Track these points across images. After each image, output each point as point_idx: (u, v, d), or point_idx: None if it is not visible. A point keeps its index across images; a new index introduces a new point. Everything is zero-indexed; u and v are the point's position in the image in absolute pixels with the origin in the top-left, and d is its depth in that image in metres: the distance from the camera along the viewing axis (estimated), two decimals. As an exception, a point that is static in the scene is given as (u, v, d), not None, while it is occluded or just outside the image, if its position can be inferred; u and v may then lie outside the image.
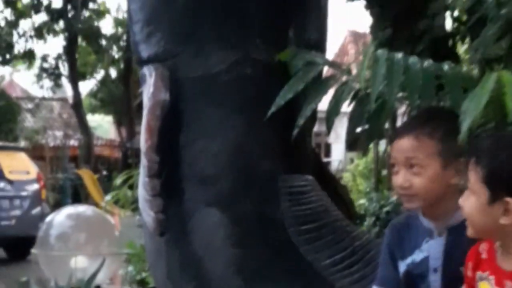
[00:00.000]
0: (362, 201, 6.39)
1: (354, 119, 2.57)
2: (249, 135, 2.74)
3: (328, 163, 19.03)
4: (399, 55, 2.25)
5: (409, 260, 2.01)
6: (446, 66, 2.28)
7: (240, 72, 2.67)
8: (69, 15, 21.09)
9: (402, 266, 2.04)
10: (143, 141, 2.60)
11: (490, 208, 1.65)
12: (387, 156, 7.17)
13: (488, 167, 1.65)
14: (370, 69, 2.30)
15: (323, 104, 2.60)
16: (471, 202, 1.69)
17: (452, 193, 1.91)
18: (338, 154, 19.74)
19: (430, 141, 1.89)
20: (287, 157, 2.80)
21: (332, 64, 2.68)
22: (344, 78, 2.55)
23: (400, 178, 1.91)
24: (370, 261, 2.55)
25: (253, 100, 2.72)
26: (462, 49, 3.86)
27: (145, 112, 2.64)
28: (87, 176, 15.69)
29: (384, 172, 7.15)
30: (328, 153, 21.74)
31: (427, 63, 2.27)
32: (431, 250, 1.97)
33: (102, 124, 29.75)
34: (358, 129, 2.64)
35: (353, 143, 2.85)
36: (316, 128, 3.26)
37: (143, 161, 2.62)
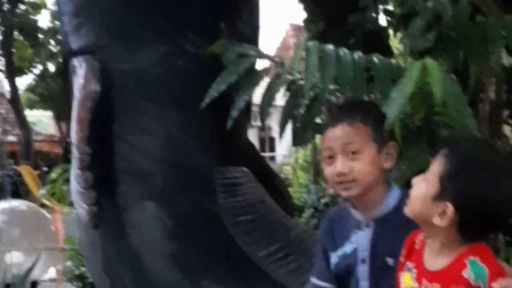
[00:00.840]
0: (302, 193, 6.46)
1: (287, 111, 2.59)
2: (182, 128, 2.73)
3: (273, 157, 19.13)
4: (330, 47, 2.27)
5: (340, 252, 2.02)
6: (375, 59, 2.31)
7: (172, 64, 2.66)
8: (5, 8, 20.58)
9: (334, 258, 2.05)
10: (74, 133, 2.56)
11: (432, 203, 1.63)
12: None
13: (452, 168, 1.62)
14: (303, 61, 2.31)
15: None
16: (421, 188, 1.67)
17: (380, 183, 1.94)
18: (282, 149, 19.87)
19: (364, 126, 1.90)
20: (222, 150, 2.81)
21: (265, 56, 2.68)
22: (277, 70, 2.56)
23: (339, 165, 1.90)
24: (305, 252, 2.58)
25: (186, 93, 2.71)
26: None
27: (75, 104, 2.60)
28: (27, 172, 15.33)
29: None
30: (272, 147, 21.84)
31: (357, 55, 2.30)
32: (359, 241, 1.97)
33: (42, 120, 29.14)
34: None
35: (297, 137, 2.87)
36: (259, 123, 3.27)
37: (75, 153, 2.58)
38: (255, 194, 2.75)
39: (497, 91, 2.86)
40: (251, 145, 3.36)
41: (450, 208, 1.58)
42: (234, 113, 2.62)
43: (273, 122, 2.96)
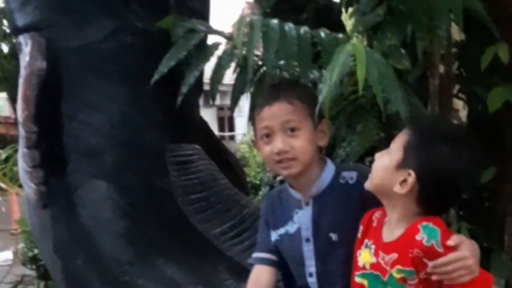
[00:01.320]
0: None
1: (237, 87, 2.57)
2: (133, 105, 2.70)
3: (232, 136, 19.09)
4: (275, 22, 2.25)
5: (282, 230, 2.03)
6: (322, 33, 2.30)
7: (121, 40, 2.62)
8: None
9: (274, 236, 2.06)
10: (20, 111, 2.52)
11: (394, 172, 1.67)
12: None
13: (416, 139, 1.67)
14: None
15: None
16: (384, 160, 1.71)
17: (316, 161, 1.94)
18: (241, 128, 19.83)
19: (301, 104, 1.90)
20: (173, 127, 2.78)
21: (215, 31, 2.65)
22: (227, 46, 2.54)
23: (279, 143, 1.89)
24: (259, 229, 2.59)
25: (135, 69, 2.68)
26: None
27: (21, 82, 2.55)
28: (-20, 155, 15.05)
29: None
30: (231, 126, 21.79)
31: (303, 30, 2.28)
32: (301, 220, 1.98)
33: (-4, 101, 28.63)
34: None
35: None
36: (218, 102, 3.25)
37: (21, 131, 2.54)
38: (207, 171, 2.74)
39: (446, 65, 2.88)
40: (203, 122, 3.33)
41: (412, 175, 1.64)
42: (184, 89, 2.59)
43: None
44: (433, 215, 1.67)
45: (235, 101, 2.69)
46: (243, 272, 2.45)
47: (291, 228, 2.00)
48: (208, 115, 3.06)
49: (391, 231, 1.72)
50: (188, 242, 2.62)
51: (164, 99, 2.67)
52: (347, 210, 1.90)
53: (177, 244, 2.64)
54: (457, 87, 3.33)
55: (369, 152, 3.04)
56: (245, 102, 2.63)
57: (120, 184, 2.66)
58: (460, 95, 3.35)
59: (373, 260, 1.73)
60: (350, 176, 1.94)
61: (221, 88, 2.84)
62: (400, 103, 2.03)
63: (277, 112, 1.90)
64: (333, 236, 1.92)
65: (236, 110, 2.73)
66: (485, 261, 2.85)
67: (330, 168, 1.96)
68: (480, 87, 3.00)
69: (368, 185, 1.77)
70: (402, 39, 2.41)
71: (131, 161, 2.68)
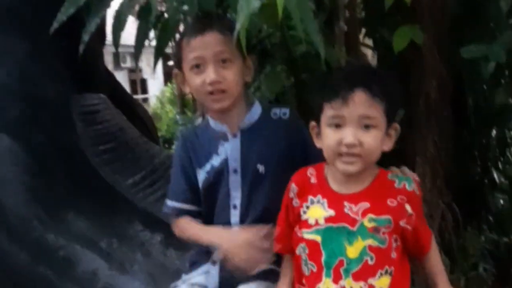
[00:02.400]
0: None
1: (140, 34, 2.49)
2: (33, 58, 2.63)
3: (145, 99, 18.82)
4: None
5: (208, 166, 1.99)
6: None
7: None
8: None
9: (202, 174, 2.01)
10: None
11: (384, 137, 1.64)
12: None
13: (387, 97, 1.62)
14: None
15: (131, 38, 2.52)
16: (375, 136, 1.62)
17: (242, 95, 1.94)
18: (154, 90, 19.54)
19: (231, 36, 1.84)
20: (77, 77, 2.71)
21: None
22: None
23: (211, 73, 1.85)
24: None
25: (34, 20, 2.59)
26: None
27: None
28: None
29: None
30: (144, 89, 21.41)
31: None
32: (228, 152, 1.96)
33: None
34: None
35: (168, 78, 2.80)
36: (129, 64, 3.16)
37: None
38: (114, 121, 2.67)
39: (351, 8, 2.90)
40: (109, 74, 3.25)
41: (397, 127, 1.65)
42: (86, 37, 2.49)
43: (144, 63, 2.87)
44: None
45: (139, 48, 2.62)
46: (157, 223, 2.44)
47: (215, 161, 1.98)
48: (120, 78, 2.97)
49: (346, 184, 1.68)
50: (99, 195, 2.56)
51: (66, 50, 2.59)
52: (277, 143, 1.91)
53: (87, 198, 2.56)
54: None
55: (278, 99, 3.04)
56: (158, 64, 2.57)
57: (24, 140, 2.56)
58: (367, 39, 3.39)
59: (331, 213, 1.68)
60: (283, 112, 1.96)
61: (131, 50, 2.77)
62: (316, 36, 2.01)
63: (210, 41, 1.86)
64: (260, 168, 1.92)
65: (148, 71, 2.67)
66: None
67: (258, 105, 1.97)
68: (384, 28, 3.04)
69: (358, 167, 1.64)
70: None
71: (33, 114, 2.58)
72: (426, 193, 2.94)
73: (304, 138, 1.86)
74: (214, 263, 1.96)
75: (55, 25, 2.37)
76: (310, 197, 1.73)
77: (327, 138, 1.64)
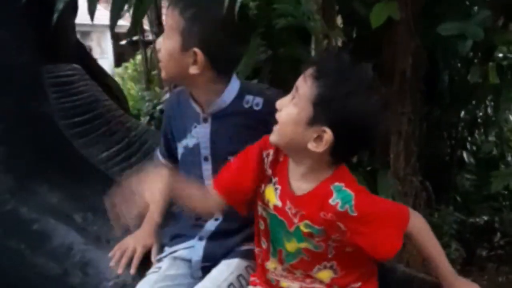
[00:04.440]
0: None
1: (116, 4, 2.43)
2: (4, 26, 2.51)
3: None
4: None
5: (184, 142, 1.98)
6: None
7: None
8: None
9: (180, 148, 2.01)
10: None
11: (306, 128, 1.55)
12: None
13: (325, 92, 1.54)
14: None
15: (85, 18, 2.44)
16: (291, 113, 1.57)
17: (212, 80, 1.86)
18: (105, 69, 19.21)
19: (185, 16, 1.81)
20: (50, 47, 2.61)
21: None
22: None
23: (158, 40, 1.93)
24: (148, 152, 2.48)
25: None
26: None
27: None
28: None
29: (154, 72, 7.06)
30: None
31: None
32: (199, 137, 1.93)
33: None
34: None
35: (120, 58, 2.74)
36: None
37: None
38: (89, 92, 2.59)
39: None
40: (80, 45, 3.16)
41: (328, 133, 1.53)
42: (60, 5, 2.45)
43: (93, 42, 2.81)
44: (342, 161, 1.63)
45: (114, 19, 2.56)
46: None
47: (190, 141, 1.96)
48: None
49: (299, 181, 1.65)
50: (72, 168, 2.47)
51: (38, 19, 2.53)
52: (248, 136, 1.83)
53: (60, 170, 2.45)
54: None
55: (257, 72, 3.00)
56: (108, 44, 2.52)
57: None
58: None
59: (279, 203, 1.67)
60: (255, 102, 1.89)
61: (83, 28, 2.71)
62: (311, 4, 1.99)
63: (169, 13, 1.85)
64: (231, 159, 1.86)
65: (98, 51, 2.62)
66: (372, 183, 2.94)
67: (233, 87, 1.90)
68: (360, 4, 3.02)
69: (274, 139, 1.64)
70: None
71: (4, 85, 2.48)
72: (400, 171, 2.96)
73: None
74: (201, 239, 1.96)
75: None
76: (273, 177, 1.70)
77: None
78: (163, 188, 1.92)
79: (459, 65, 3.24)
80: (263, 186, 1.71)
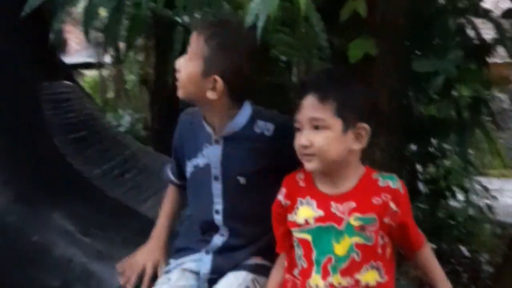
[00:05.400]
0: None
1: (111, 29, 2.49)
2: (3, 42, 2.56)
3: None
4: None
5: (194, 161, 2.05)
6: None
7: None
8: None
9: (189, 166, 2.08)
10: None
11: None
12: (115, 77, 7.10)
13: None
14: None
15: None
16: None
17: (223, 104, 1.94)
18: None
19: (207, 46, 1.90)
20: (46, 63, 2.67)
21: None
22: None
23: (178, 61, 1.97)
24: (143, 169, 2.58)
25: (2, 6, 2.54)
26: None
27: None
28: None
29: (110, 94, 7.03)
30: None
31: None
32: (210, 157, 2.00)
33: None
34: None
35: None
36: None
37: None
38: (86, 110, 2.65)
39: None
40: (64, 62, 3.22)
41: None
42: (57, 26, 2.51)
43: None
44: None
45: (110, 43, 2.63)
46: (128, 212, 2.44)
47: (201, 161, 2.03)
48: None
49: (334, 185, 1.79)
50: (69, 184, 2.51)
51: (35, 35, 2.59)
52: (258, 159, 1.95)
53: (57, 186, 2.50)
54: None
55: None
56: None
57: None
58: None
59: (320, 213, 1.78)
60: (267, 127, 1.97)
61: None
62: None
63: (194, 38, 1.93)
64: (241, 180, 1.97)
65: None
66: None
67: (246, 112, 1.98)
68: (341, 38, 3.18)
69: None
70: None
71: (4, 98, 2.51)
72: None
73: (288, 155, 1.84)
74: (207, 252, 2.04)
75: (27, 10, 2.36)
76: (299, 199, 1.83)
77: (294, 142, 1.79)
78: (170, 204, 2.19)
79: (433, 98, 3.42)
80: (291, 216, 1.84)
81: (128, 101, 5.15)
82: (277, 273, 1.92)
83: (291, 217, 1.83)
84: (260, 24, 1.90)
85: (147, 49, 4.30)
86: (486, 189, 4.84)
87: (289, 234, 1.86)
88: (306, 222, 1.80)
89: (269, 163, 1.95)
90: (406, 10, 2.91)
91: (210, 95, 1.89)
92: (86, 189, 2.50)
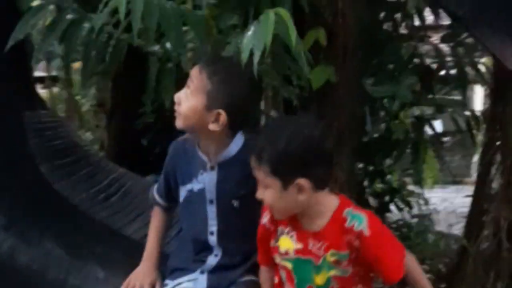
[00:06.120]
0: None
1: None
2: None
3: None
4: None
5: (188, 186, 2.17)
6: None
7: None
8: None
9: (183, 191, 2.19)
10: None
11: (286, 193, 1.82)
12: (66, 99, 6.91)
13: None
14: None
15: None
16: (270, 194, 1.85)
17: (222, 134, 2.07)
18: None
19: (207, 79, 2.01)
20: (27, 92, 2.75)
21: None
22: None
23: (178, 94, 2.08)
24: (127, 193, 2.68)
25: None
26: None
27: None
28: None
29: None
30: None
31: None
32: (206, 182, 2.12)
33: None
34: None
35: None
36: None
37: None
38: (70, 138, 2.75)
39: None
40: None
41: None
42: (40, 54, 2.59)
43: None
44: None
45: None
46: (114, 235, 2.54)
47: (195, 186, 2.15)
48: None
49: (311, 220, 1.88)
50: (55, 210, 2.61)
51: (17, 63, 2.67)
52: (251, 183, 2.01)
53: (40, 211, 2.59)
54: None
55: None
56: None
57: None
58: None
59: (299, 246, 1.89)
60: None
61: None
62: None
63: (192, 72, 2.06)
64: (235, 203, 2.10)
65: None
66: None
67: (239, 140, 2.11)
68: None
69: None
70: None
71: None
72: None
73: None
74: (202, 272, 2.17)
75: (11, 42, 2.39)
76: (280, 227, 1.94)
77: None
78: (158, 226, 2.29)
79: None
80: (273, 241, 1.95)
81: (81, 122, 5.20)
82: (266, 282, 2.06)
83: (273, 243, 1.96)
84: (256, 60, 2.03)
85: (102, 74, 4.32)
86: (427, 201, 5.13)
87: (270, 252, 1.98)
88: (286, 252, 1.91)
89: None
90: (359, 36, 3.10)
91: (213, 127, 2.02)
92: (74, 215, 2.60)
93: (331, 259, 1.87)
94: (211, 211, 2.14)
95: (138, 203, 2.64)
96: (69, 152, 2.71)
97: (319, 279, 1.90)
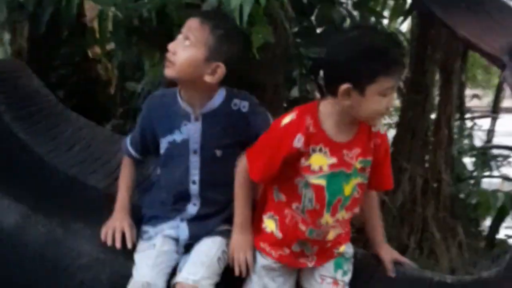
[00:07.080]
0: None
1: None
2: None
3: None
4: None
5: (169, 138, 2.26)
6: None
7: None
8: None
9: (164, 143, 2.29)
10: None
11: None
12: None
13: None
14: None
15: None
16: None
17: (211, 86, 2.20)
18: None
19: (210, 30, 2.13)
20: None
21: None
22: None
23: (173, 44, 2.16)
24: (89, 144, 2.70)
25: None
26: None
27: None
28: None
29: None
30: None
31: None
32: (190, 133, 2.22)
33: None
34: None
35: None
36: None
37: None
38: (32, 86, 2.74)
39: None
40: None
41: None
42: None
43: None
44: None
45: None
46: (78, 184, 2.55)
47: (177, 137, 2.25)
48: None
49: (339, 133, 2.04)
50: (20, 161, 2.58)
51: None
52: (234, 133, 2.23)
53: (10, 168, 2.55)
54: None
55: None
56: None
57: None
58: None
59: (333, 160, 2.04)
60: (242, 104, 2.25)
61: None
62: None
63: (191, 23, 2.16)
64: (218, 152, 2.24)
65: None
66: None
67: (222, 92, 2.25)
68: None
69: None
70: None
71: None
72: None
73: (259, 128, 2.18)
74: (182, 220, 2.31)
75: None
76: (311, 146, 2.04)
77: (377, 104, 1.96)
78: (129, 177, 2.40)
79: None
80: (303, 160, 2.05)
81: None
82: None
83: (303, 162, 2.05)
84: (245, 16, 2.19)
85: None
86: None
87: (272, 169, 2.07)
88: (320, 169, 2.04)
89: (242, 137, 2.23)
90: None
91: (209, 79, 2.14)
92: (37, 164, 2.56)
93: (358, 166, 2.07)
94: (194, 160, 2.25)
95: (102, 153, 2.67)
96: (31, 102, 2.69)
97: (348, 189, 2.07)
